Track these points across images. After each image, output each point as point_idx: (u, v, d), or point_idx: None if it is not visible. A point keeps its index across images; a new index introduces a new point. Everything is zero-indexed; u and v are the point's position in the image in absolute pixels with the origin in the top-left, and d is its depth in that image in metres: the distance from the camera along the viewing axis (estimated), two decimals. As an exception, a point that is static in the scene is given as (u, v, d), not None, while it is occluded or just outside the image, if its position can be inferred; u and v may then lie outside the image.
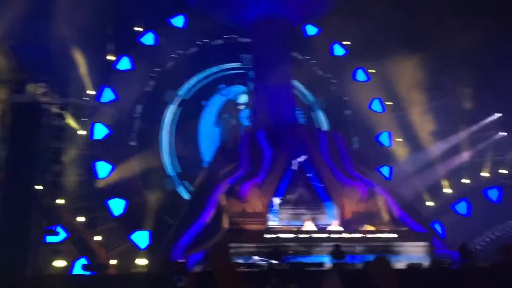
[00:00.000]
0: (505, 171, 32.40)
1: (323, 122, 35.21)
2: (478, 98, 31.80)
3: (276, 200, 24.77)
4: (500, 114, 32.64)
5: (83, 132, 28.47)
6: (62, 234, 24.37)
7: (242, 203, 24.31)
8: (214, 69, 34.39)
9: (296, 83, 33.35)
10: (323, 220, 24.17)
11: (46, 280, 15.89)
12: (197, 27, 32.28)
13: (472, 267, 16.16)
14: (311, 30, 35.53)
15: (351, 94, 34.58)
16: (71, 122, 27.44)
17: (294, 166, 25.73)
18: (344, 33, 34.22)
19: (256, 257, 19.23)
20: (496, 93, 30.22)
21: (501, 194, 31.91)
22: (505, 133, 32.33)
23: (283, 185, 25.48)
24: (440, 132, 32.27)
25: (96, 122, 29.34)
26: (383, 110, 34.54)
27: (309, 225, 22.81)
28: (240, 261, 18.92)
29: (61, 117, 24.01)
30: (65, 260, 20.18)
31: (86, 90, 29.32)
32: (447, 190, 32.31)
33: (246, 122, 32.49)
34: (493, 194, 32.14)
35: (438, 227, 29.51)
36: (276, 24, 30.04)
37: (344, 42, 35.82)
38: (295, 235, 21.04)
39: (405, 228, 23.06)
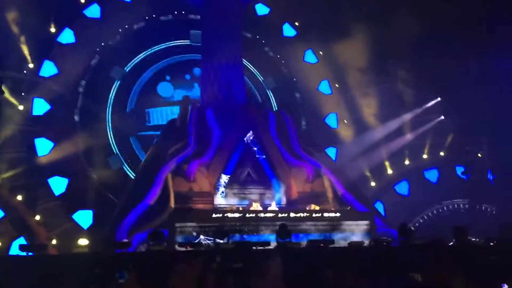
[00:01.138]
0: (443, 154, 33.83)
1: (272, 102, 35.31)
2: (420, 83, 32.83)
3: (223, 180, 24.76)
4: (439, 99, 33.87)
5: (22, 107, 27.15)
6: (-1, 213, 23.38)
7: (189, 182, 24.11)
8: (162, 45, 33.52)
9: (246, 62, 33.12)
10: (270, 199, 24.41)
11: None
12: (145, 1, 31.22)
13: (410, 244, 16.87)
14: (262, 9, 35.27)
15: (300, 75, 34.81)
16: (9, 96, 26.10)
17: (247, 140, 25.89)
18: (295, 13, 34.29)
19: (202, 237, 19.23)
20: (437, 78, 31.33)
21: (439, 175, 33.34)
22: (443, 117, 33.62)
23: (231, 164, 25.46)
24: (384, 115, 33.17)
25: (37, 97, 28.01)
26: (331, 92, 35.02)
27: (255, 205, 22.96)
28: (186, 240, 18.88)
29: (-1, 90, 22.77)
30: (1, 241, 19.35)
31: (26, 64, 27.89)
32: (389, 171, 33.40)
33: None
34: (432, 175, 33.54)
35: (380, 207, 30.52)
36: (227, 1, 29.62)
37: (294, 23, 35.83)
38: (242, 215, 21.12)
39: (349, 208, 23.68)
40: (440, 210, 32.19)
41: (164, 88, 33.40)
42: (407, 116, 33.46)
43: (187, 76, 33.95)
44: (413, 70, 32.44)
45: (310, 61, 35.34)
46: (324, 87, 35.04)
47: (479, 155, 32.09)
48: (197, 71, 33.03)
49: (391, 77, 33.49)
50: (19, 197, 25.20)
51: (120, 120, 31.04)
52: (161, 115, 33.00)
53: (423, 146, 33.81)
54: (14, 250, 21.72)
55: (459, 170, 32.70)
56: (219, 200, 24.48)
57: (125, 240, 19.28)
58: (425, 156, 33.97)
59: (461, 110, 30.89)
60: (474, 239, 19.21)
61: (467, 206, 31.81)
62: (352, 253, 16.48)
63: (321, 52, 35.04)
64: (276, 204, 23.61)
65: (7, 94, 25.22)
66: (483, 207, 30.86)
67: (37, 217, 25.37)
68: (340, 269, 5.38)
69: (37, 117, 27.86)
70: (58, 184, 27.27)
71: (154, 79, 33.23)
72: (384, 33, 29.96)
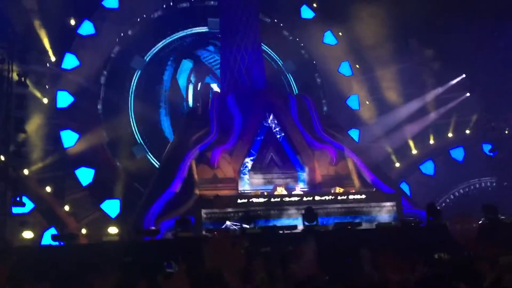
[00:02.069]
0: (469, 132, 33.24)
1: (293, 86, 35.08)
2: (444, 59, 32.16)
3: (248, 165, 24.82)
4: (464, 76, 33.16)
5: (47, 101, 27.56)
6: (29, 205, 23.89)
7: (213, 169, 24.22)
8: (181, 33, 33.53)
9: (264, 47, 32.91)
10: (294, 183, 24.39)
11: (15, 252, 15.57)
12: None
13: (439, 225, 16.69)
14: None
15: (320, 57, 34.45)
16: (33, 90, 26.50)
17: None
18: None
19: (228, 222, 19.36)
20: (461, 54, 30.59)
21: (465, 154, 32.79)
22: (468, 94, 32.95)
23: (254, 150, 25.49)
24: (407, 94, 32.64)
25: (60, 90, 28.39)
26: (352, 73, 34.60)
27: (280, 189, 22.99)
28: (212, 227, 19.03)
29: (23, 85, 23.10)
30: (33, 231, 19.80)
31: (48, 57, 28.24)
32: (414, 151, 32.98)
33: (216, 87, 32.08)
34: (458, 154, 33.01)
35: (405, 187, 30.23)
36: (243, -14, 29.40)
37: (312, 5, 35.38)
38: (267, 199, 21.17)
39: (374, 189, 23.52)
40: (467, 189, 31.75)
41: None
42: (431, 95, 32.88)
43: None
44: (435, 46, 31.76)
45: (330, 43, 34.88)
46: (345, 69, 34.60)
47: (506, 131, 31.44)
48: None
49: (413, 55, 32.88)
50: (48, 189, 25.71)
51: (142, 109, 31.27)
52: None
53: (448, 125, 33.23)
54: (46, 240, 22.26)
55: (486, 147, 32.04)
56: (244, 185, 24.57)
57: (153, 228, 19.54)
58: (450, 135, 33.41)
59: (487, 86, 30.22)
60: (504, 217, 18.89)
61: (494, 184, 31.28)
62: (381, 235, 16.39)
63: (340, 33, 34.52)
64: (300, 188, 23.59)
65: (31, 88, 25.58)
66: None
67: (66, 208, 25.88)
68: (374, 249, 5.34)
69: (61, 110, 28.28)
70: (85, 175, 27.74)
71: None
72: (404, 10, 29.29)
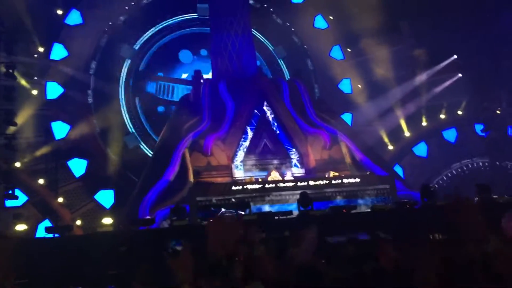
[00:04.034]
0: (461, 112, 33.29)
1: (284, 71, 34.89)
2: (434, 41, 32.03)
3: (241, 152, 24.75)
4: (455, 57, 33.10)
5: (36, 92, 27.22)
6: (22, 198, 23.71)
7: (206, 156, 24.14)
8: (169, 21, 33.15)
9: (255, 32, 32.63)
10: (288, 169, 24.38)
11: (10, 243, 15.44)
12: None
13: (434, 205, 16.74)
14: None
15: (311, 42, 34.24)
16: (22, 81, 26.14)
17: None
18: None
19: (223, 210, 19.33)
20: (451, 35, 30.48)
21: (458, 134, 32.89)
22: (460, 75, 32.93)
23: (247, 136, 25.40)
24: (399, 77, 32.55)
25: (49, 81, 28.05)
26: (343, 57, 34.44)
27: (274, 175, 22.96)
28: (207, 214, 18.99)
29: (11, 76, 22.75)
30: (27, 224, 19.68)
31: (36, 48, 27.82)
32: (407, 134, 33.03)
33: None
34: (451, 135, 33.10)
35: (399, 170, 30.31)
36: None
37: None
38: (261, 185, 21.14)
39: (368, 172, 23.54)
40: (460, 170, 31.90)
41: (185, 56, 33.26)
42: (423, 76, 32.84)
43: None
44: (426, 28, 31.60)
45: (320, 27, 34.65)
46: (336, 53, 34.44)
47: (498, 111, 31.50)
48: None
49: (404, 37, 32.72)
50: (41, 181, 25.52)
51: (133, 98, 31.02)
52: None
53: (440, 106, 33.26)
54: (40, 232, 22.13)
55: (478, 128, 32.16)
56: (238, 172, 24.52)
57: (148, 217, 19.47)
58: (442, 116, 33.45)
59: (478, 67, 30.17)
60: (497, 196, 18.99)
61: (487, 164, 31.44)
62: (377, 217, 16.42)
63: (331, 17, 34.30)
64: (292, 174, 23.56)
65: (20, 79, 25.24)
66: (505, 164, 30.47)
67: (60, 199, 25.72)
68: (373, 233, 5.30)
69: (51, 101, 27.96)
70: (78, 166, 27.57)
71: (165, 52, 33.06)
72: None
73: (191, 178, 23.11)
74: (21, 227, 18.22)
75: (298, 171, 24.56)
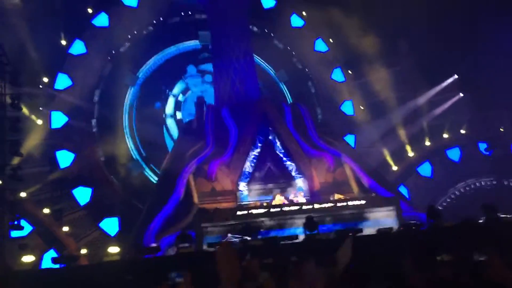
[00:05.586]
0: (464, 131, 33.30)
1: (287, 95, 35.14)
2: (435, 61, 32.26)
3: (246, 177, 24.78)
4: (456, 76, 33.30)
5: (41, 122, 27.48)
6: (28, 228, 23.68)
7: (211, 182, 24.16)
8: (172, 48, 33.62)
9: (256, 57, 33.00)
10: (292, 193, 24.31)
11: (15, 277, 15.40)
12: (151, 5, 31.25)
13: (441, 226, 16.64)
14: (268, 2, 35.07)
15: (312, 65, 34.56)
16: (27, 112, 26.41)
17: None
18: (301, 3, 34.04)
19: (229, 235, 19.24)
20: (452, 55, 30.73)
21: (462, 153, 32.83)
22: (461, 94, 33.06)
23: (251, 161, 25.45)
24: (400, 97, 32.71)
25: (54, 110, 28.33)
26: (344, 79, 34.70)
27: (279, 199, 22.91)
28: (214, 240, 18.92)
29: (16, 107, 22.97)
30: (33, 254, 19.61)
31: (40, 78, 28.20)
32: (411, 154, 33.00)
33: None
34: (454, 154, 33.04)
35: (404, 190, 30.20)
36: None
37: (301, 13, 35.55)
38: (266, 210, 21.09)
39: (373, 194, 23.46)
40: (466, 189, 31.73)
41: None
42: (424, 97, 32.98)
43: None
44: (425, 47, 31.87)
45: (321, 50, 35.04)
46: (337, 75, 34.72)
47: (501, 129, 31.50)
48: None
49: (404, 58, 33.00)
50: (46, 210, 25.53)
51: (137, 125, 31.24)
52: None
53: (443, 125, 33.31)
54: (46, 263, 22.04)
55: (482, 146, 32.11)
56: (243, 197, 24.49)
57: (154, 245, 19.40)
58: (445, 135, 33.47)
59: (479, 85, 30.30)
60: (504, 216, 18.84)
61: (493, 182, 31.28)
62: (383, 240, 16.32)
63: (331, 40, 34.70)
64: (294, 196, 23.52)
65: (25, 110, 25.49)
66: (510, 182, 30.31)
67: (65, 229, 25.67)
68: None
69: (56, 130, 28.19)
70: (83, 194, 27.61)
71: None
72: (394, 11, 29.37)
73: (196, 205, 23.08)
74: (28, 258, 18.16)
75: (301, 193, 24.49)
